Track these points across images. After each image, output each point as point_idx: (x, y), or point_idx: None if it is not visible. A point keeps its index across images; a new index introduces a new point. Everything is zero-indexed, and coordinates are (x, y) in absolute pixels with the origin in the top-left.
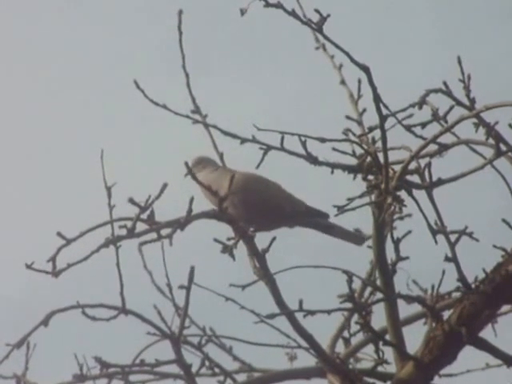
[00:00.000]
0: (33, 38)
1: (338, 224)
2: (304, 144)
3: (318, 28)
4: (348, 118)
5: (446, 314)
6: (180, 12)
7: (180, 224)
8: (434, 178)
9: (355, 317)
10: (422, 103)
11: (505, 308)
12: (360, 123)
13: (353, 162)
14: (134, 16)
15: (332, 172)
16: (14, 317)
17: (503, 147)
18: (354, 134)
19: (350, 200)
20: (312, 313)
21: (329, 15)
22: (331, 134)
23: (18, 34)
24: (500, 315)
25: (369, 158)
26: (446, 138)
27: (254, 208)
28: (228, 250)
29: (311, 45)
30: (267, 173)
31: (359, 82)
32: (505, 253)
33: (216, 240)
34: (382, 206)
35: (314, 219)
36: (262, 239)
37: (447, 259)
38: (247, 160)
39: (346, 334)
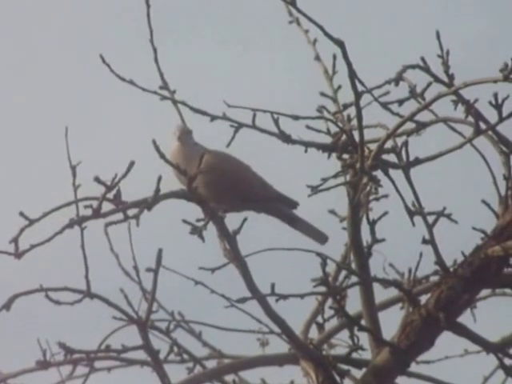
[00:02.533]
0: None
1: (303, 218)
2: (276, 121)
3: (291, 1)
4: (323, 94)
5: (424, 299)
6: None
7: (147, 204)
8: (411, 158)
9: (329, 301)
10: (398, 79)
11: (484, 292)
12: (335, 100)
13: (327, 140)
14: None
15: (306, 151)
16: None
17: (483, 125)
18: (329, 112)
19: (324, 180)
20: (284, 297)
21: None
22: (305, 111)
23: None
24: (479, 300)
25: (344, 137)
26: (424, 116)
27: (224, 188)
28: (197, 231)
29: (284, 18)
30: (238, 151)
31: (334, 57)
32: (484, 235)
33: (185, 221)
34: (357, 186)
35: (281, 207)
36: (232, 220)
37: (425, 241)
38: (217, 138)
39: (319, 319)
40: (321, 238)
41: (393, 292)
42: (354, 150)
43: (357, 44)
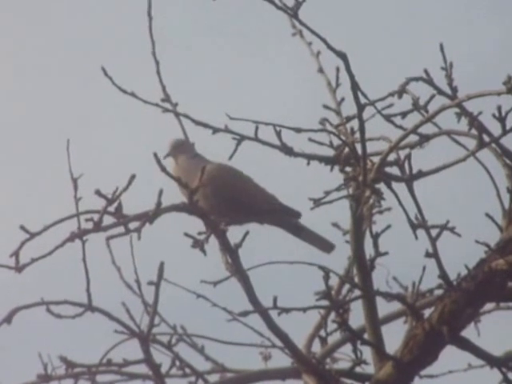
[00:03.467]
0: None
1: (308, 227)
2: (279, 134)
3: (293, 13)
4: (326, 107)
5: (427, 313)
6: None
7: (149, 217)
8: (415, 170)
9: (332, 315)
10: (401, 92)
11: (488, 306)
12: (338, 113)
13: (330, 153)
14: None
15: (308, 163)
16: None
17: (486, 138)
18: (332, 124)
19: (327, 193)
20: (287, 310)
21: (304, 0)
22: (308, 123)
23: None
24: (483, 314)
25: (346, 149)
26: (427, 129)
27: (225, 201)
28: (199, 244)
29: (288, 31)
30: (241, 164)
31: (337, 69)
32: (488, 249)
33: (186, 234)
34: (359, 199)
35: (284, 218)
36: (234, 234)
37: (428, 255)
38: (220, 150)
39: (322, 332)
40: (327, 246)
41: (396, 306)
42: (357, 163)
43: (360, 56)
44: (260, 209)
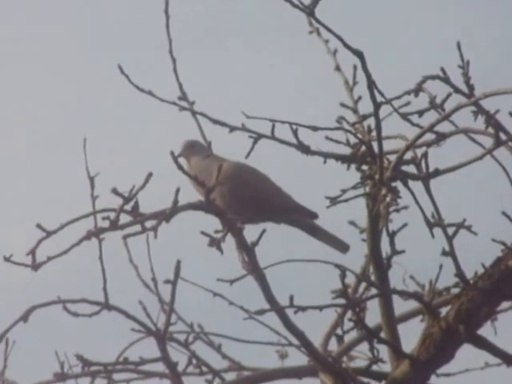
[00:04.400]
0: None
1: (324, 228)
2: (295, 132)
3: (309, 12)
4: (343, 105)
5: (444, 311)
6: None
7: (165, 216)
8: (431, 169)
9: (349, 313)
10: (418, 90)
11: (505, 305)
12: (355, 111)
13: (346, 151)
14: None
15: (325, 162)
16: None
17: (503, 136)
18: (348, 123)
19: (344, 191)
20: (303, 309)
21: None
22: (324, 122)
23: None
24: (500, 312)
25: (363, 148)
26: (444, 127)
27: (242, 199)
28: (215, 243)
29: (305, 29)
30: (257, 162)
31: (354, 68)
32: (504, 247)
33: (203, 233)
34: (376, 197)
35: (300, 217)
36: (251, 232)
37: (444, 253)
38: (236, 149)
39: (339, 331)
40: (342, 246)
41: (412, 304)
42: (374, 161)
43: (376, 54)
44: (276, 208)
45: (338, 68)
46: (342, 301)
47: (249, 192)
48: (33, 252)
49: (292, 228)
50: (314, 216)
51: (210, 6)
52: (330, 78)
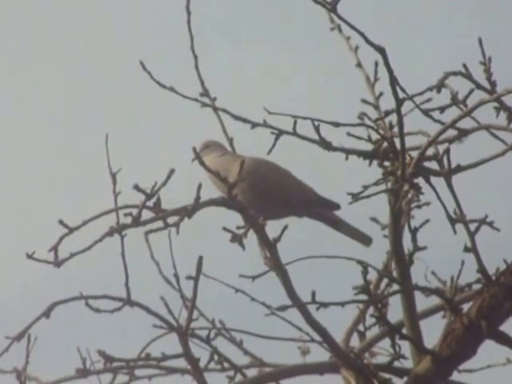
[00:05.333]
0: (38, 17)
1: (347, 220)
2: (317, 129)
3: (331, 8)
4: (364, 101)
5: (466, 307)
6: None
7: (187, 212)
8: (453, 165)
9: (371, 309)
10: (440, 86)
11: None
12: (377, 107)
13: (368, 147)
14: None
15: (346, 158)
16: (14, 308)
17: None
18: (370, 119)
19: (365, 187)
20: (325, 305)
21: None
22: (346, 118)
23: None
24: None
25: (385, 144)
26: (466, 123)
27: (263, 195)
28: (238, 239)
29: (326, 25)
30: (279, 159)
31: (376, 64)
32: None
33: (225, 229)
34: (398, 193)
35: (322, 211)
36: (273, 228)
37: (467, 249)
38: (258, 145)
39: (360, 327)
40: (365, 239)
41: (434, 300)
42: (396, 158)
43: (398, 50)
44: (297, 201)
45: (359, 64)
46: (363, 297)
47: (268, 187)
48: (55, 248)
49: (314, 223)
50: (337, 207)
51: (232, 3)
52: (351, 74)
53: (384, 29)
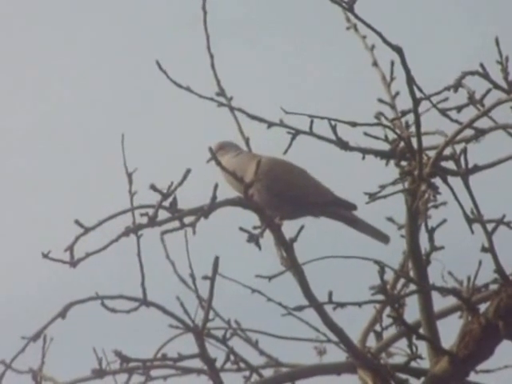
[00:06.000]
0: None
1: (363, 219)
2: (334, 128)
3: (348, 7)
4: (380, 101)
5: (483, 307)
6: None
7: (204, 212)
8: (470, 165)
9: (387, 309)
10: (457, 86)
11: None
12: (393, 107)
13: (385, 147)
14: None
15: (363, 158)
16: (30, 308)
17: None
18: (387, 118)
19: (382, 187)
20: (342, 305)
21: None
22: (363, 118)
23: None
24: None
25: (402, 144)
26: (483, 123)
27: (279, 195)
28: (254, 239)
29: (342, 25)
30: (295, 158)
31: (392, 63)
32: None
33: (241, 229)
34: (415, 193)
35: (339, 210)
36: (289, 228)
37: (484, 249)
38: (274, 145)
39: (377, 327)
40: (383, 237)
41: (451, 300)
42: (413, 157)
43: (414, 49)
44: (313, 201)
45: (375, 64)
46: (380, 297)
47: (283, 187)
48: (71, 248)
49: (331, 223)
50: (353, 207)
51: (248, 3)
52: (367, 73)
53: (400, 28)
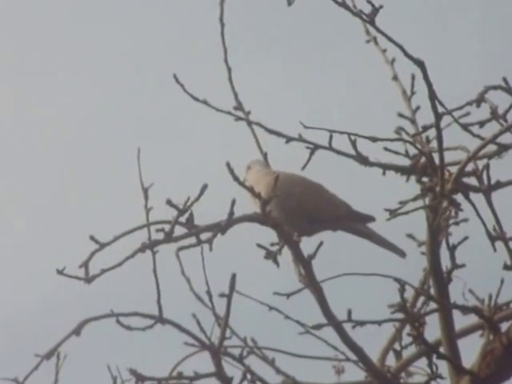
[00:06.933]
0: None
1: (379, 232)
2: (354, 143)
3: (370, 20)
4: (401, 115)
5: (505, 326)
6: (222, 2)
7: (221, 228)
8: (493, 181)
9: (407, 328)
10: (480, 101)
11: None
12: (413, 121)
13: (406, 162)
14: (173, 7)
15: (384, 173)
16: (44, 325)
17: None
18: (408, 133)
19: (403, 203)
20: (361, 323)
21: (381, 6)
22: (383, 132)
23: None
24: None
25: (423, 159)
26: (506, 138)
27: (292, 211)
28: (272, 255)
29: (361, 38)
30: (314, 174)
31: (413, 77)
32: None
33: (259, 245)
34: (437, 210)
35: (354, 224)
36: (308, 244)
37: (506, 267)
38: (293, 160)
39: (397, 346)
40: (400, 252)
41: (472, 318)
42: (434, 173)
43: (435, 63)
44: (327, 217)
45: (395, 77)
46: (400, 315)
47: (295, 203)
48: (86, 264)
49: (350, 239)
50: (370, 219)
51: (266, 15)
52: (386, 87)
53: (419, 41)
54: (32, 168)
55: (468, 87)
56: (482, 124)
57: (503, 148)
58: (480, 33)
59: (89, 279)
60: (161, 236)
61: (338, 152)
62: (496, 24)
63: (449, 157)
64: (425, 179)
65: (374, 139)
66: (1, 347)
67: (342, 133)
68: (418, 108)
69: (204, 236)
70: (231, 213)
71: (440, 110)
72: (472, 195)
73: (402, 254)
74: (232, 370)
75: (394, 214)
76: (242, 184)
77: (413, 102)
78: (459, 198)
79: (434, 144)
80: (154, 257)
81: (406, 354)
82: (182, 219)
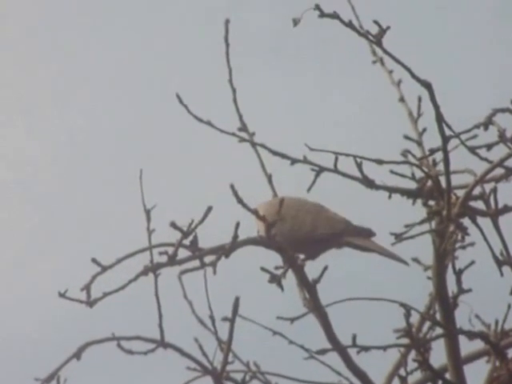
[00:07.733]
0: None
1: (381, 246)
2: (359, 166)
3: (376, 41)
4: (407, 138)
5: (511, 352)
6: (227, 22)
7: (225, 251)
8: (500, 205)
9: (413, 353)
10: (488, 123)
11: None
12: (420, 144)
13: (412, 185)
14: (177, 27)
15: (390, 196)
16: (45, 348)
17: None
18: (414, 156)
19: (409, 227)
20: (366, 349)
21: (388, 27)
22: (389, 155)
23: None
24: None
25: (430, 182)
26: None
27: (285, 236)
28: (276, 279)
29: (367, 59)
30: (319, 196)
31: (419, 99)
32: None
33: (263, 269)
34: (443, 234)
35: (353, 240)
36: (312, 268)
37: None
38: (298, 182)
39: (402, 371)
40: (402, 261)
41: (478, 344)
42: (441, 197)
43: (442, 85)
44: (325, 235)
45: (402, 99)
46: (406, 340)
47: (287, 227)
48: (88, 288)
49: (356, 262)
50: (370, 233)
51: (270, 38)
52: (392, 109)
53: (428, 63)
54: (33, 187)
55: (476, 110)
56: (489, 147)
57: (511, 171)
58: (489, 55)
59: (91, 303)
60: (164, 259)
61: (344, 174)
62: (505, 47)
63: (456, 180)
64: (431, 203)
65: (379, 162)
66: (0, 370)
67: (347, 155)
68: (424, 130)
69: (208, 259)
70: (235, 236)
71: (447, 132)
72: (479, 219)
73: (405, 262)
74: None
75: (399, 238)
76: (246, 206)
77: (419, 124)
78: (466, 221)
79: (441, 167)
80: (156, 280)
81: (411, 379)
82: (186, 242)
